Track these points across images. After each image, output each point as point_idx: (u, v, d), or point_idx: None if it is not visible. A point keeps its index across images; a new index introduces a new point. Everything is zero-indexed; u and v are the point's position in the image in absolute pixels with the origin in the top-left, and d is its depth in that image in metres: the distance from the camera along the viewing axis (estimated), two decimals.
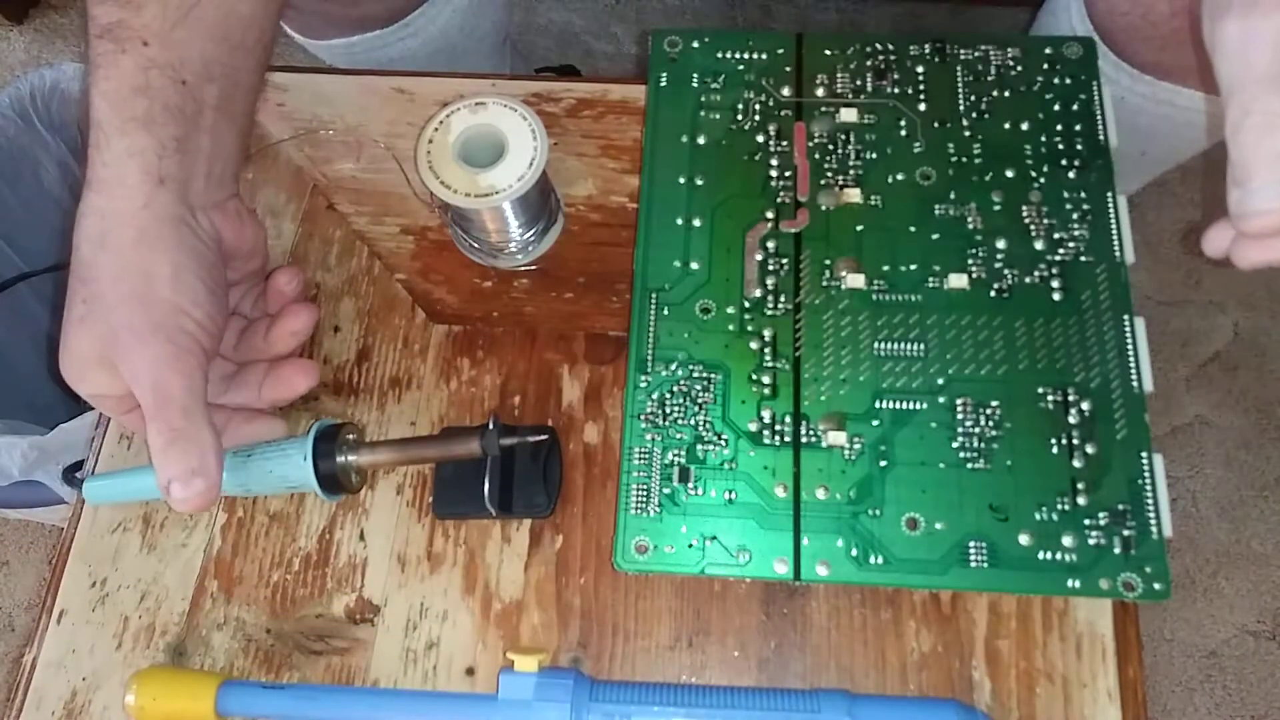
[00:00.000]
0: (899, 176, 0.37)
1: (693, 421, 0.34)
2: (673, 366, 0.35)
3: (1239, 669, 0.82)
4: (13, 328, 0.79)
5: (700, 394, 0.35)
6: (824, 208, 0.37)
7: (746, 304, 0.36)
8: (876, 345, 0.35)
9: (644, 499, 0.33)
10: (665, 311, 0.36)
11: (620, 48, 1.04)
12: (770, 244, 0.37)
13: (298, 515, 0.38)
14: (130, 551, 0.38)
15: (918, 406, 0.34)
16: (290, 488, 0.36)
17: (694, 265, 0.36)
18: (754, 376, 0.35)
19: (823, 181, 0.38)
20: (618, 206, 0.42)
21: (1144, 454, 0.33)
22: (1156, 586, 0.31)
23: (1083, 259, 0.35)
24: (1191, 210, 0.94)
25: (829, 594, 0.35)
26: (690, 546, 0.33)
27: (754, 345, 0.35)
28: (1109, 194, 0.36)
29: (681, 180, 0.38)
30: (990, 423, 0.33)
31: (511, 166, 0.36)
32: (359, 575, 0.37)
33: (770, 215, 0.37)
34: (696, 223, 0.37)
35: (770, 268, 0.36)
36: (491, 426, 0.35)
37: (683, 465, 0.34)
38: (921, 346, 0.35)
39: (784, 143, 0.38)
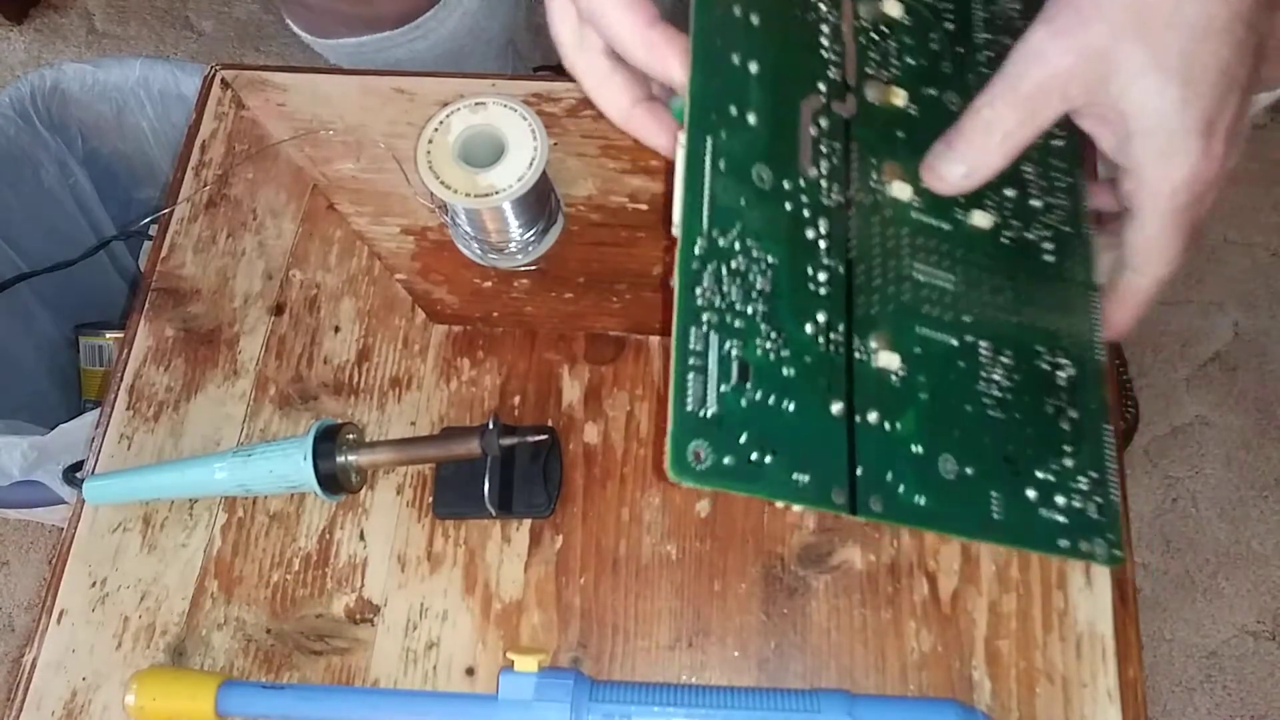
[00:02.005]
0: (932, 92, 0.35)
1: (749, 310, 0.29)
2: (730, 235, 0.30)
3: (1239, 669, 0.82)
4: (13, 328, 0.79)
5: (756, 278, 0.30)
6: (871, 100, 0.34)
7: (802, 183, 0.32)
8: (916, 266, 0.32)
9: (700, 395, 0.28)
10: (722, 165, 0.30)
11: None
12: (822, 121, 0.33)
13: (298, 515, 0.38)
14: (130, 551, 0.38)
15: (951, 341, 0.32)
16: (290, 487, 0.36)
17: (750, 118, 0.31)
18: (809, 271, 0.31)
19: (869, 70, 0.34)
20: (618, 206, 0.42)
21: (1107, 425, 0.33)
22: (1116, 553, 0.31)
23: (1065, 229, 0.35)
24: None
25: (829, 594, 0.35)
26: (749, 462, 0.28)
27: (809, 234, 0.31)
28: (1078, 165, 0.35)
29: (737, 12, 0.33)
30: (1003, 372, 0.32)
31: (511, 166, 0.36)
32: (359, 575, 0.37)
33: (823, 87, 0.33)
34: (753, 68, 0.32)
35: (823, 150, 0.32)
36: (491, 426, 0.35)
37: (742, 360, 0.29)
38: (952, 279, 0.33)
39: (834, 11, 0.35)
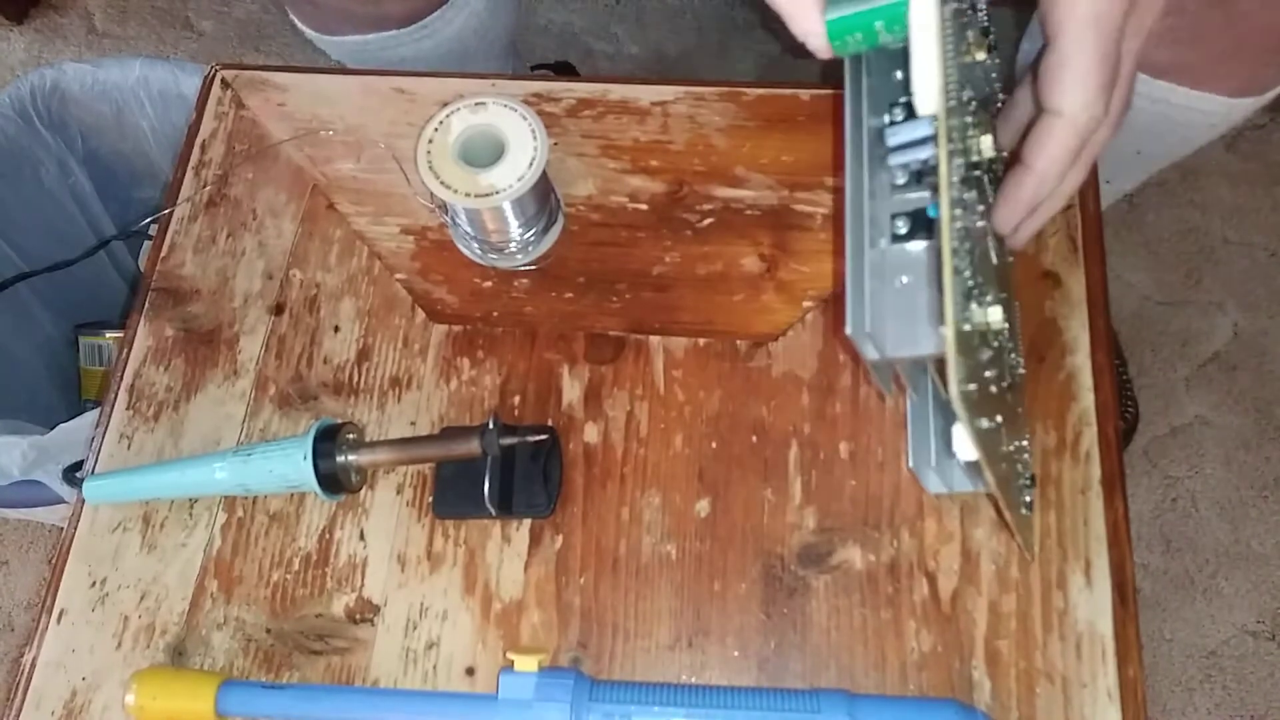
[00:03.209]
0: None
1: (966, 218, 0.27)
2: (953, 127, 0.26)
3: (1238, 669, 0.82)
4: (13, 328, 0.79)
5: (960, 189, 0.27)
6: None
7: (963, 102, 0.29)
8: (978, 224, 0.29)
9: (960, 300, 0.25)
10: (950, 50, 0.27)
11: (620, 48, 1.04)
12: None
13: (298, 515, 0.38)
14: (130, 551, 0.38)
15: (987, 317, 0.29)
16: (290, 487, 0.36)
17: (947, 10, 0.28)
18: (969, 197, 0.28)
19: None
20: (618, 206, 0.42)
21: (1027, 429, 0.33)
22: (1034, 549, 0.33)
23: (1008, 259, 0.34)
24: (1191, 210, 0.94)
25: (829, 593, 0.35)
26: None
27: (971, 158, 0.28)
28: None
29: None
30: (1011, 357, 0.31)
31: (511, 166, 0.36)
32: (359, 575, 0.37)
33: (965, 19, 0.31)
34: None
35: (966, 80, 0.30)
36: (491, 426, 0.35)
37: (968, 276, 0.26)
38: (996, 255, 0.31)
39: None
